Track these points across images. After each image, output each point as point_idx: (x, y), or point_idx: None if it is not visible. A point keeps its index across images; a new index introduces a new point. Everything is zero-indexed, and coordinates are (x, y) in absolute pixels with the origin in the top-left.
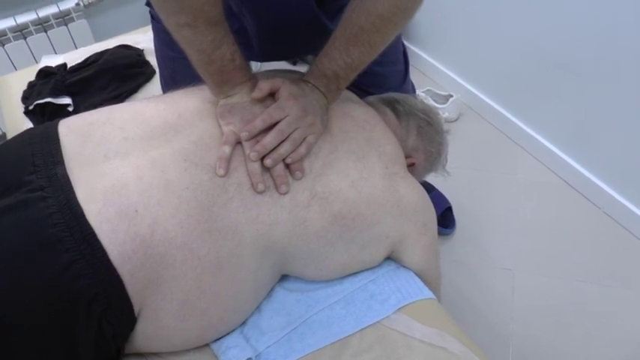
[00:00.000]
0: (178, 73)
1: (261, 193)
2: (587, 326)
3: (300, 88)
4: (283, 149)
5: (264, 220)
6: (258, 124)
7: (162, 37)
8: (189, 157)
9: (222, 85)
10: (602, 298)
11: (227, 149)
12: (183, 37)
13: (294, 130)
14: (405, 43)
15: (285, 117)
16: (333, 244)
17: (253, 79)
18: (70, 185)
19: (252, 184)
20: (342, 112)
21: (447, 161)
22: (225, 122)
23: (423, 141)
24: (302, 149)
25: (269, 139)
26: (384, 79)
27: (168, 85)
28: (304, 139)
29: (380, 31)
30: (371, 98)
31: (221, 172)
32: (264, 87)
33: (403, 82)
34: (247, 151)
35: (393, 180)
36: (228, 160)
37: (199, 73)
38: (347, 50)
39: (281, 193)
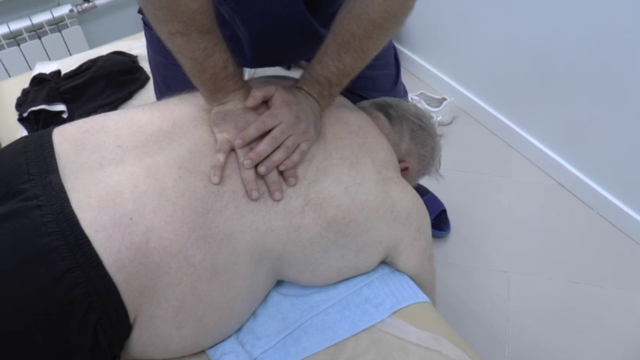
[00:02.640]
0: (171, 79)
1: (255, 200)
2: (582, 327)
3: (293, 96)
4: (276, 157)
5: (259, 226)
6: (252, 131)
7: (155, 44)
8: (184, 165)
9: (216, 93)
10: (596, 299)
11: (221, 157)
12: (175, 46)
13: (288, 138)
14: (398, 46)
15: (278, 124)
16: (328, 249)
17: (246, 86)
18: (64, 193)
19: (246, 192)
20: (336, 117)
21: (440, 165)
22: (219, 130)
23: (416, 145)
24: (295, 157)
25: (262, 147)
26: (374, 82)
27: (161, 92)
28: (297, 146)
29: (372, 37)
30: (364, 103)
31: (215, 179)
32: (257, 95)
33: (394, 86)
34: (241, 159)
35: (387, 185)
36: (222, 167)
37: (192, 81)
38: (339, 56)
39: (275, 200)
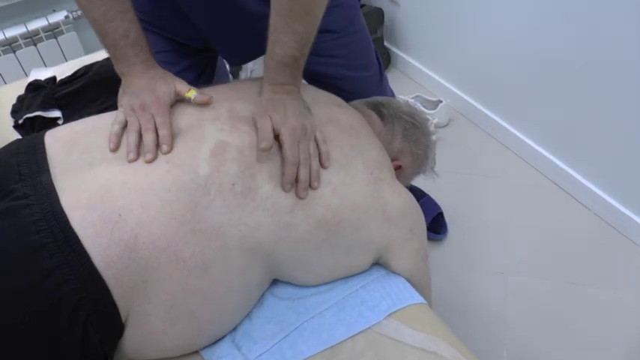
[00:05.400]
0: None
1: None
2: (580, 328)
3: (281, 108)
4: (303, 175)
5: (247, 222)
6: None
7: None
8: (171, 160)
9: (117, 62)
10: (594, 300)
11: (116, 126)
12: (81, 6)
13: (302, 149)
14: (394, 49)
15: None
16: (319, 248)
17: (148, 61)
18: (54, 192)
19: (232, 187)
20: (327, 117)
21: (435, 163)
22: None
23: (409, 143)
24: (314, 165)
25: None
26: (354, 82)
27: None
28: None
29: None
30: (356, 102)
31: (111, 145)
32: (268, 137)
33: (377, 88)
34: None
35: (378, 186)
36: (119, 135)
37: None
38: (290, 28)
39: (301, 198)
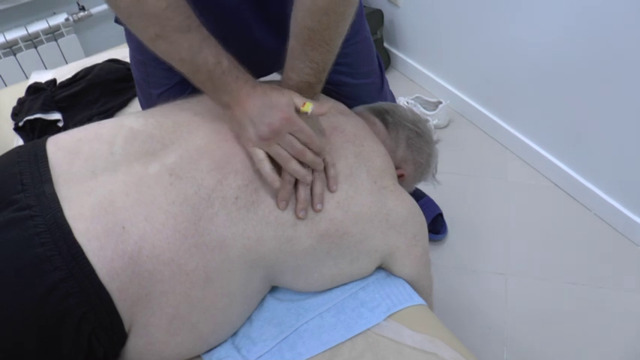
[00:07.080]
0: (151, 76)
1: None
2: (580, 328)
3: None
4: (302, 196)
5: (250, 235)
6: (288, 183)
7: (133, 41)
8: (175, 172)
9: (219, 93)
10: (594, 300)
11: (266, 165)
12: (161, 52)
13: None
14: (393, 50)
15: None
16: (321, 259)
17: (250, 81)
18: (57, 203)
19: (235, 199)
20: (332, 126)
21: (436, 171)
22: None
23: (412, 152)
24: (318, 189)
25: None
26: (356, 89)
27: (142, 90)
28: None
29: (329, 27)
30: (360, 108)
31: (282, 205)
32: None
33: (378, 95)
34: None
35: (382, 194)
36: (277, 175)
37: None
38: (307, 56)
39: (299, 218)
